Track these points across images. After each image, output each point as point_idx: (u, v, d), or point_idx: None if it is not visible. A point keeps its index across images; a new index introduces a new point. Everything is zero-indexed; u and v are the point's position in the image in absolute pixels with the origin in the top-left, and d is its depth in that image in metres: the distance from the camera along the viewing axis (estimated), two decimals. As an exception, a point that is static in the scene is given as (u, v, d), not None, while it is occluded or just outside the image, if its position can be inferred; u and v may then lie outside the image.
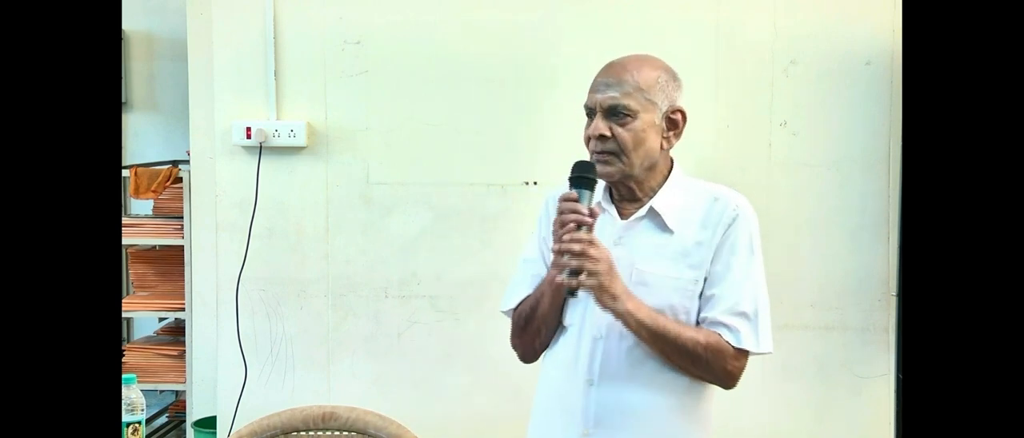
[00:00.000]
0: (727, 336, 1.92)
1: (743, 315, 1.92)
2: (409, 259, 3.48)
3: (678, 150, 2.05)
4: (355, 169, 3.45)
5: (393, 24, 3.41)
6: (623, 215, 2.01)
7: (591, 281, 1.81)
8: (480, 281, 3.45)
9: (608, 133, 1.93)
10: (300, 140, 3.39)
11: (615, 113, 1.93)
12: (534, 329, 2.05)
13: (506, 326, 3.48)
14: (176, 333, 4.43)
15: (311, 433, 2.14)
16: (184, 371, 4.20)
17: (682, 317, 1.94)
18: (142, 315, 4.65)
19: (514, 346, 2.12)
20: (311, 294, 3.50)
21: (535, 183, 3.42)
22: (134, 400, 2.07)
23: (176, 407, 4.55)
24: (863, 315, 3.38)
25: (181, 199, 4.14)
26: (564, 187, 1.93)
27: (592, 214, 1.87)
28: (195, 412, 4.08)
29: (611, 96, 1.92)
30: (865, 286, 3.37)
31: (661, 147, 1.97)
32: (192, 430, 4.03)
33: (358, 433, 2.12)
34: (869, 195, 3.35)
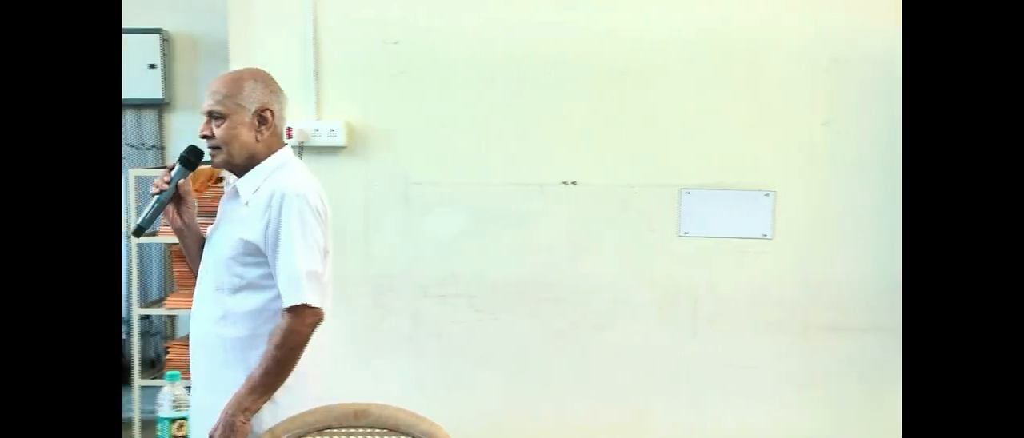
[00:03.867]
0: None
1: None
2: (448, 259, 3.48)
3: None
4: (394, 169, 3.47)
5: (432, 24, 3.42)
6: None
7: None
8: (519, 281, 3.45)
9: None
10: (340, 140, 3.41)
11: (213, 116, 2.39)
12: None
13: (546, 326, 3.48)
14: (218, 331, 4.47)
15: (343, 430, 2.15)
16: (226, 368, 4.25)
17: None
18: (185, 313, 4.70)
19: None
20: (351, 293, 3.51)
21: (574, 183, 3.41)
22: (179, 396, 2.09)
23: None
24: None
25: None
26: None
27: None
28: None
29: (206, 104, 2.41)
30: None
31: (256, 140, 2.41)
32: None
33: (390, 430, 2.13)
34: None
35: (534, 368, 3.47)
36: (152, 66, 5.42)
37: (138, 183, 4.45)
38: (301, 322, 2.31)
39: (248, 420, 2.27)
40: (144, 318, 4.51)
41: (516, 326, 3.47)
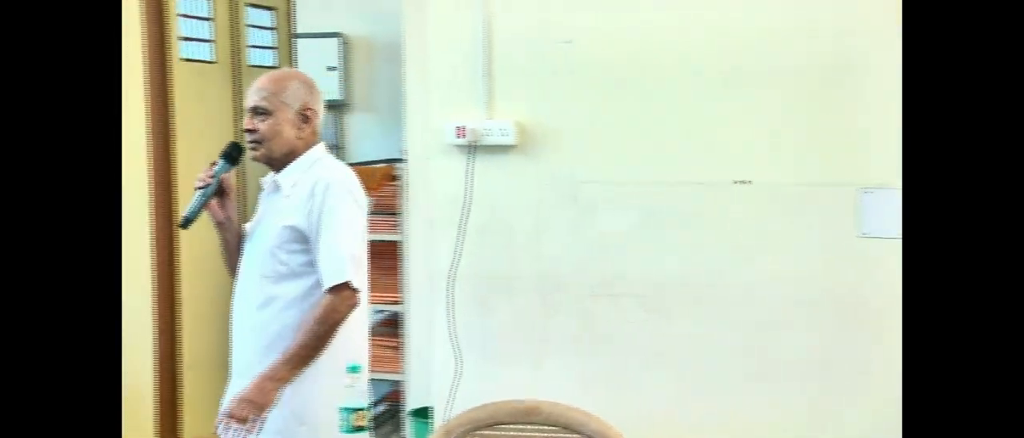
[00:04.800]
0: None
1: None
2: (617, 258, 3.47)
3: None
4: (564, 167, 3.47)
5: (603, 23, 3.41)
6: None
7: None
8: (690, 281, 3.40)
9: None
10: (510, 139, 3.45)
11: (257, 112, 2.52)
12: (230, 270, 2.71)
13: (716, 327, 3.41)
14: (393, 325, 4.60)
15: (515, 427, 2.17)
16: (400, 362, 4.36)
17: None
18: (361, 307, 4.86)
19: None
20: (520, 291, 3.55)
21: (747, 182, 3.34)
22: (359, 388, 2.16)
23: (393, 396, 4.73)
24: None
25: (397, 196, 4.31)
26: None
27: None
28: (411, 402, 4.23)
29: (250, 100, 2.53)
30: None
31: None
32: (408, 419, 4.18)
33: (561, 429, 2.14)
34: None
35: (704, 369, 3.41)
36: (331, 68, 5.62)
37: (318, 182, 4.62)
38: (342, 302, 2.44)
39: (277, 388, 2.39)
40: (323, 312, 4.67)
41: (686, 327, 3.42)
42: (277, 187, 2.58)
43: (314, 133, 2.61)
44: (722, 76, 3.34)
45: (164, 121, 4.07)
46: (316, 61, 5.51)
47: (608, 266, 3.47)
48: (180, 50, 4.18)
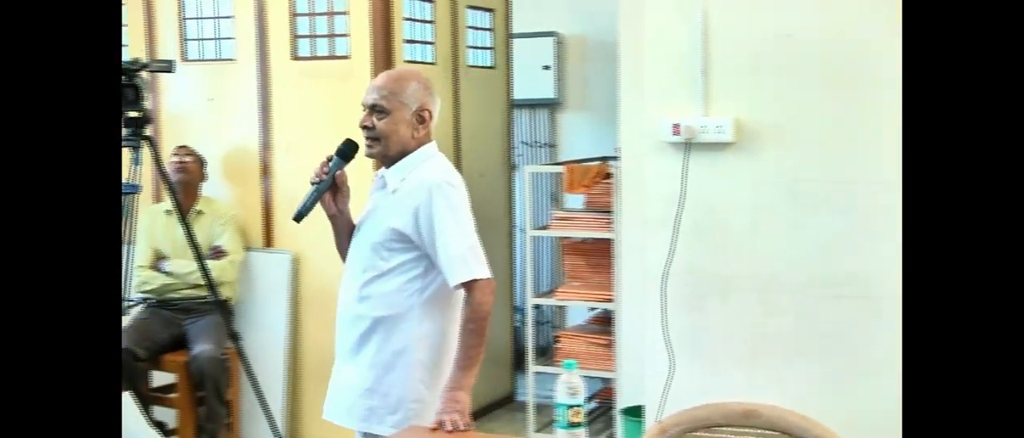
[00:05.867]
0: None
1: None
2: (837, 258, 3.34)
3: None
4: (783, 165, 3.38)
5: (825, 16, 3.30)
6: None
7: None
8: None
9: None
10: (727, 136, 3.39)
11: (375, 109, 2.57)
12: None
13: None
14: (605, 322, 4.62)
15: (732, 429, 2.13)
16: (612, 359, 4.38)
17: None
18: (574, 304, 4.91)
19: None
20: (736, 290, 3.48)
21: (982, 180, 3.14)
22: (575, 384, 2.18)
23: (604, 394, 4.75)
24: None
25: (611, 194, 4.32)
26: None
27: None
28: (622, 400, 4.24)
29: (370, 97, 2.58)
30: None
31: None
32: (620, 417, 4.19)
33: (780, 433, 2.08)
34: None
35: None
36: (546, 67, 5.71)
37: (532, 179, 4.69)
38: (480, 294, 2.53)
39: (467, 394, 2.52)
40: (536, 307, 4.75)
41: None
42: (384, 183, 2.65)
43: (428, 134, 2.65)
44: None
45: (388, 121, 4.24)
46: (531, 60, 5.62)
47: (828, 266, 3.35)
48: (404, 53, 4.35)
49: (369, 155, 2.65)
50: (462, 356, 2.54)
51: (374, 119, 2.57)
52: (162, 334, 4.22)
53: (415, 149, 2.63)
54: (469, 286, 2.53)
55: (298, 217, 2.58)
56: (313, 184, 2.61)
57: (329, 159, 2.62)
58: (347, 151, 2.63)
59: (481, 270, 2.55)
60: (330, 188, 2.64)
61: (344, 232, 2.72)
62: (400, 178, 2.62)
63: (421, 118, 2.61)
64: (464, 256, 2.53)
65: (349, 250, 2.70)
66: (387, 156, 2.62)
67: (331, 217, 2.69)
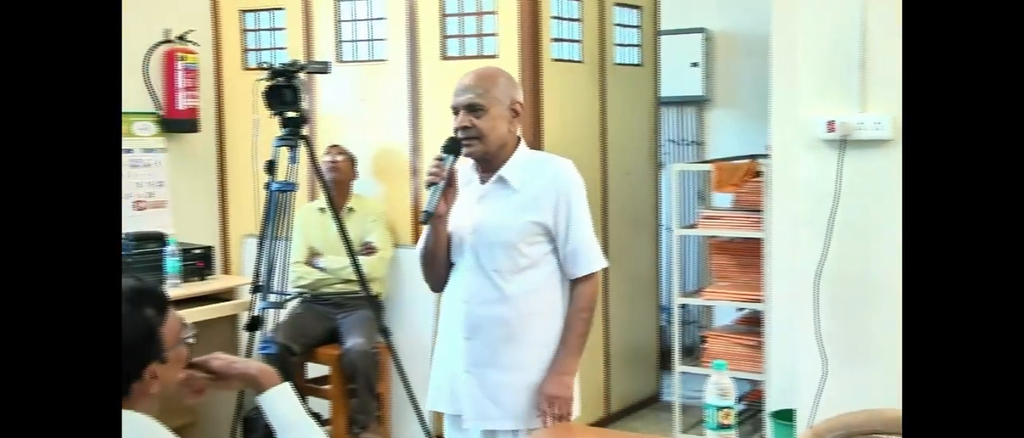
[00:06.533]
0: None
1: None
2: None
3: None
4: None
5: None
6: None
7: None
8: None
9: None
10: (886, 133, 3.26)
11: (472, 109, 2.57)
12: (425, 261, 2.71)
13: None
14: (753, 323, 4.53)
15: (890, 437, 2.05)
16: (760, 361, 4.28)
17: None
18: (721, 304, 4.83)
19: (424, 277, 2.76)
20: (891, 292, 3.35)
21: None
22: (726, 385, 2.14)
23: (753, 395, 4.65)
24: None
25: (760, 192, 4.23)
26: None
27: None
28: (772, 402, 4.15)
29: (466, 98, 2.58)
30: None
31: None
32: (770, 420, 4.10)
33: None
34: None
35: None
36: (694, 64, 5.63)
37: (680, 178, 4.64)
38: (594, 286, 2.65)
39: (573, 379, 2.60)
40: (682, 307, 4.70)
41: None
42: (505, 182, 2.63)
43: (518, 127, 2.68)
44: None
45: (536, 120, 4.26)
46: (678, 57, 5.55)
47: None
48: (551, 51, 4.36)
49: (469, 154, 2.64)
50: (575, 343, 2.62)
51: (472, 118, 2.57)
52: (316, 328, 4.36)
53: (513, 144, 2.65)
54: (589, 276, 2.63)
55: (428, 218, 2.59)
56: (430, 185, 2.60)
57: (440, 158, 2.60)
58: (456, 148, 2.62)
59: (603, 260, 2.67)
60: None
61: (444, 232, 2.67)
62: (523, 174, 2.63)
63: (515, 112, 2.63)
64: (592, 247, 2.64)
65: (462, 254, 2.67)
66: (487, 154, 2.61)
67: (439, 216, 2.64)
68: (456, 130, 2.60)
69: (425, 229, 2.70)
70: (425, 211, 2.56)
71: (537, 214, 2.60)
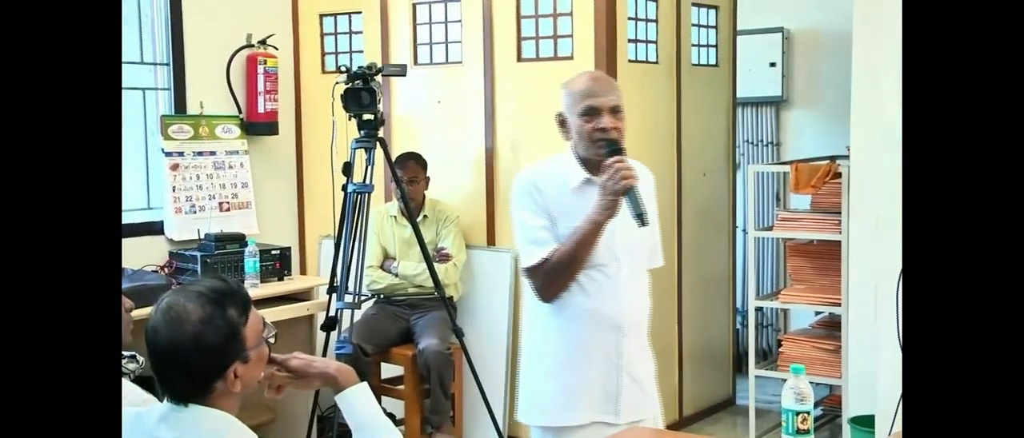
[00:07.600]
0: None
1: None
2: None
3: None
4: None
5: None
6: None
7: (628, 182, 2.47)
8: None
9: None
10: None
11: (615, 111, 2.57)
12: (570, 270, 2.57)
13: None
14: (830, 327, 4.45)
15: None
16: (838, 366, 4.21)
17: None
18: (798, 307, 4.76)
19: (545, 290, 2.60)
20: (978, 297, 3.27)
21: None
22: (804, 390, 2.11)
23: (830, 400, 4.58)
24: None
25: (839, 194, 4.15)
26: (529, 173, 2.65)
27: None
28: (851, 408, 4.07)
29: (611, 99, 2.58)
30: None
31: None
32: (849, 427, 4.03)
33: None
34: None
35: None
36: (772, 64, 5.56)
37: (756, 179, 4.58)
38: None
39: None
40: (758, 310, 4.64)
41: None
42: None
43: None
44: None
45: (611, 121, 4.25)
46: (756, 57, 5.48)
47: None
48: (628, 52, 4.34)
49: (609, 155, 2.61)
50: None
51: (617, 120, 2.57)
52: (390, 330, 4.40)
53: None
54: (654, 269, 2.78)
55: (644, 219, 2.48)
56: (627, 188, 2.48)
57: (618, 159, 2.50)
58: (619, 148, 2.55)
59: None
60: None
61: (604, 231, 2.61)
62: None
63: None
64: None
65: (613, 252, 2.61)
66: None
67: (610, 216, 2.54)
68: (601, 130, 2.54)
69: (572, 233, 2.55)
70: (638, 214, 2.46)
71: (652, 212, 2.62)
